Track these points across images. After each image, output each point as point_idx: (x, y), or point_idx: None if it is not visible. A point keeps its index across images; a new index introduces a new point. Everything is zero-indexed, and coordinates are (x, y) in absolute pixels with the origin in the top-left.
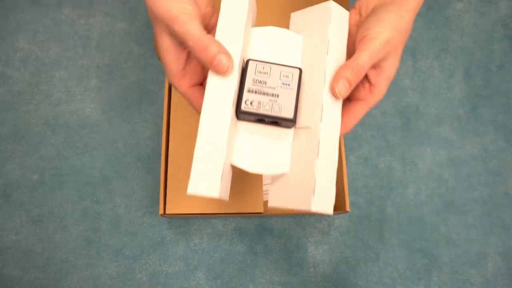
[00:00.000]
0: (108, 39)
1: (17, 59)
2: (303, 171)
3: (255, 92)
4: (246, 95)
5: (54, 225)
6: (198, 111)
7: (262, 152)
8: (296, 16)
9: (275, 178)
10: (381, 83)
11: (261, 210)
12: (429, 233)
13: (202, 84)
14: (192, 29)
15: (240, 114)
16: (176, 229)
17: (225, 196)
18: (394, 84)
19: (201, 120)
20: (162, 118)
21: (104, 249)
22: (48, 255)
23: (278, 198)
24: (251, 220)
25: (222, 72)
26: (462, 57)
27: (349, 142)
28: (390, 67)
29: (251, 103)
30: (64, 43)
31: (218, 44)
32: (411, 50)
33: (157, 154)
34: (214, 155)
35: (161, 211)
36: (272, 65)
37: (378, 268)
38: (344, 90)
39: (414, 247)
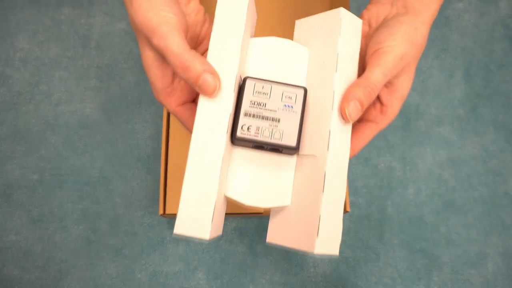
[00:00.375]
0: (108, 39)
1: (17, 59)
2: (306, 206)
3: (253, 116)
4: (242, 120)
5: (54, 225)
6: (191, 131)
7: (261, 182)
8: (301, 24)
9: (274, 211)
10: (394, 103)
11: (261, 210)
12: (429, 233)
13: (194, 100)
14: (172, 43)
15: (235, 140)
16: None
17: (217, 232)
18: None
19: (191, 149)
20: (162, 118)
21: (104, 249)
22: (48, 255)
23: (278, 235)
24: (251, 220)
25: (207, 93)
26: (462, 57)
27: None
28: (403, 86)
29: (248, 128)
30: (64, 43)
31: (203, 61)
32: None
33: (157, 154)
34: (205, 190)
35: (161, 211)
36: (273, 84)
37: (378, 268)
38: (355, 112)
39: (414, 247)
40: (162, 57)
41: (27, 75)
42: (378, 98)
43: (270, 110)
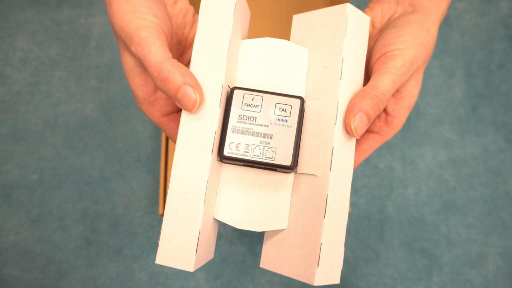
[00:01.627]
0: (108, 39)
1: (16, 59)
2: (305, 231)
3: (242, 132)
4: (230, 136)
5: (53, 225)
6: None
7: (254, 204)
8: (300, 21)
9: (269, 234)
10: (401, 113)
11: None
12: (430, 233)
13: (181, 110)
14: (151, 52)
15: (223, 159)
16: None
17: (208, 258)
18: None
19: (173, 171)
20: None
21: (104, 249)
22: (47, 255)
23: (273, 261)
24: None
25: (188, 108)
26: (462, 56)
27: None
28: (412, 94)
29: (236, 146)
30: (63, 43)
31: (183, 71)
32: None
33: (157, 154)
34: (189, 219)
35: (161, 211)
36: (264, 95)
37: (379, 269)
38: (362, 126)
39: (415, 247)
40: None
41: (26, 75)
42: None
43: (261, 125)
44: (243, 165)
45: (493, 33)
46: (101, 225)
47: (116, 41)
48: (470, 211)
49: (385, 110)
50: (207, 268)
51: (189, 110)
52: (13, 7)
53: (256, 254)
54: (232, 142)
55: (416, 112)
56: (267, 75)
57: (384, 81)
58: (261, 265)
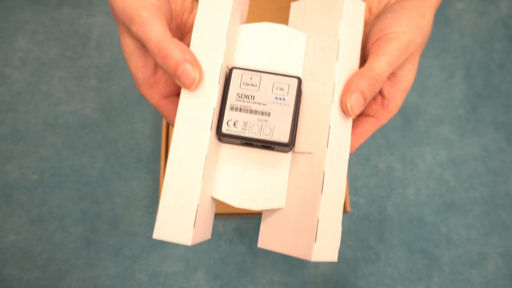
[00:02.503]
0: (108, 39)
1: (16, 59)
2: (302, 208)
3: (240, 110)
4: (228, 114)
5: (53, 225)
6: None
7: (251, 182)
8: (297, 7)
9: (266, 213)
10: (397, 96)
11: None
12: (430, 233)
13: (180, 93)
14: (152, 30)
15: (221, 137)
16: None
17: (205, 237)
18: None
19: (172, 147)
20: (162, 118)
21: (104, 249)
22: (47, 255)
23: (270, 239)
24: (251, 220)
25: (186, 85)
26: (462, 56)
27: None
28: (407, 78)
29: (234, 124)
30: (63, 43)
31: (183, 49)
32: None
33: (157, 154)
34: (187, 192)
35: None
36: (262, 75)
37: (379, 269)
38: (358, 105)
39: (415, 248)
40: (143, 45)
41: (26, 75)
42: (380, 90)
43: (259, 104)
44: (242, 144)
45: (493, 33)
46: (101, 225)
47: (116, 41)
48: (470, 211)
49: (381, 93)
50: (207, 268)
51: (188, 87)
52: (13, 7)
53: (256, 254)
54: (230, 120)
55: (416, 112)
56: (265, 58)
57: (380, 62)
58: (259, 245)
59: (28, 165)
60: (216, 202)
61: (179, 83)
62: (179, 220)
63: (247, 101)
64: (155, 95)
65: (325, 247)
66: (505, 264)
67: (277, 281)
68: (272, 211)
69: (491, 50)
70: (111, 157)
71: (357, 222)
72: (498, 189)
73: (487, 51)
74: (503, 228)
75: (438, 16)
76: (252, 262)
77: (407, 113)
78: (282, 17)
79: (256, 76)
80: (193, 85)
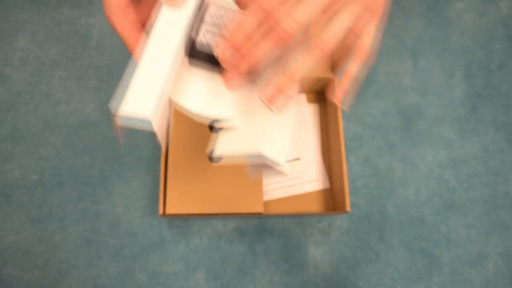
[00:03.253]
0: (108, 39)
1: (16, 59)
2: (253, 119)
3: (212, 34)
4: (202, 34)
5: (53, 225)
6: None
7: (208, 94)
8: None
9: (225, 129)
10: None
11: (261, 210)
12: (430, 233)
13: (144, 26)
14: None
15: (194, 54)
16: (176, 229)
17: (160, 130)
18: (395, 84)
19: (147, 45)
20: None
21: (104, 249)
22: (47, 255)
23: (226, 146)
24: (251, 220)
25: (174, 3)
26: (462, 57)
27: (349, 142)
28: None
29: (207, 43)
30: (63, 43)
31: None
32: (412, 50)
33: (157, 154)
34: (154, 79)
35: (161, 212)
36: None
37: (379, 269)
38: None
39: (415, 248)
40: None
41: (26, 75)
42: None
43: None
44: (208, 69)
45: (493, 33)
46: (101, 225)
47: (116, 41)
48: (470, 211)
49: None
50: (207, 268)
51: (175, 4)
52: (13, 7)
53: (256, 254)
54: (203, 40)
55: (416, 112)
56: None
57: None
58: (215, 154)
59: (28, 165)
60: (216, 202)
61: (165, 1)
62: (143, 98)
63: (218, 29)
64: (126, 23)
65: (272, 144)
66: (505, 264)
67: (277, 281)
68: (229, 127)
69: (491, 50)
70: (111, 157)
71: (357, 222)
72: (498, 189)
73: (487, 51)
74: (503, 228)
75: (438, 16)
76: (252, 262)
77: (407, 113)
78: None
79: (228, 11)
80: (180, 2)
